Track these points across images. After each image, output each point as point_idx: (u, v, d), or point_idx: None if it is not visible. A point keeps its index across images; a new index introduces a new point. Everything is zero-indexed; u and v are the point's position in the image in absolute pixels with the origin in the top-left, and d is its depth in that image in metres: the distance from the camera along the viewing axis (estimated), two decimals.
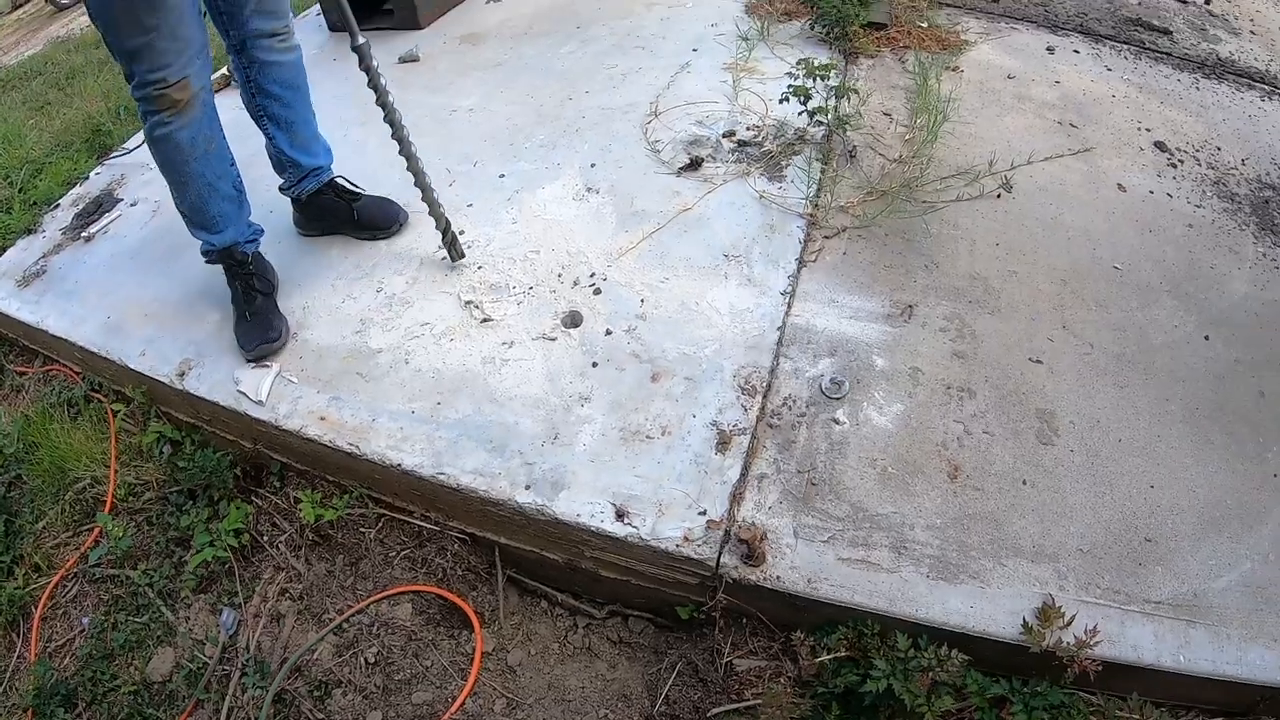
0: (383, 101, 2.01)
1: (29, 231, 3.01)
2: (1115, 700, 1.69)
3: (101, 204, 3.01)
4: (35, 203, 3.28)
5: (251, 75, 2.17)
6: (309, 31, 3.74)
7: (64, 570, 2.41)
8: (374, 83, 1.99)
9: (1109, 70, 2.96)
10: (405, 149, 2.08)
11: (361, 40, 1.92)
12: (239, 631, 2.13)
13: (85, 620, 2.30)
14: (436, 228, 2.21)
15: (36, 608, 2.37)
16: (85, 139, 3.68)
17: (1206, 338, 2.20)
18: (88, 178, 3.21)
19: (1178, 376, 2.11)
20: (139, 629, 2.25)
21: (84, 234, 2.87)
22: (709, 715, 1.81)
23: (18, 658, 2.37)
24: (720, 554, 1.73)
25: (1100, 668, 1.61)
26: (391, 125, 2.05)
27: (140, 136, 3.23)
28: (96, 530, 2.41)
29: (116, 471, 2.44)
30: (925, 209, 2.38)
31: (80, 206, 3.05)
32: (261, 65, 2.15)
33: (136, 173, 3.06)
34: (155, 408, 2.45)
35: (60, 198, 3.18)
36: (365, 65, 1.97)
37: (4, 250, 2.98)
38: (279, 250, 2.40)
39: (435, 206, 2.17)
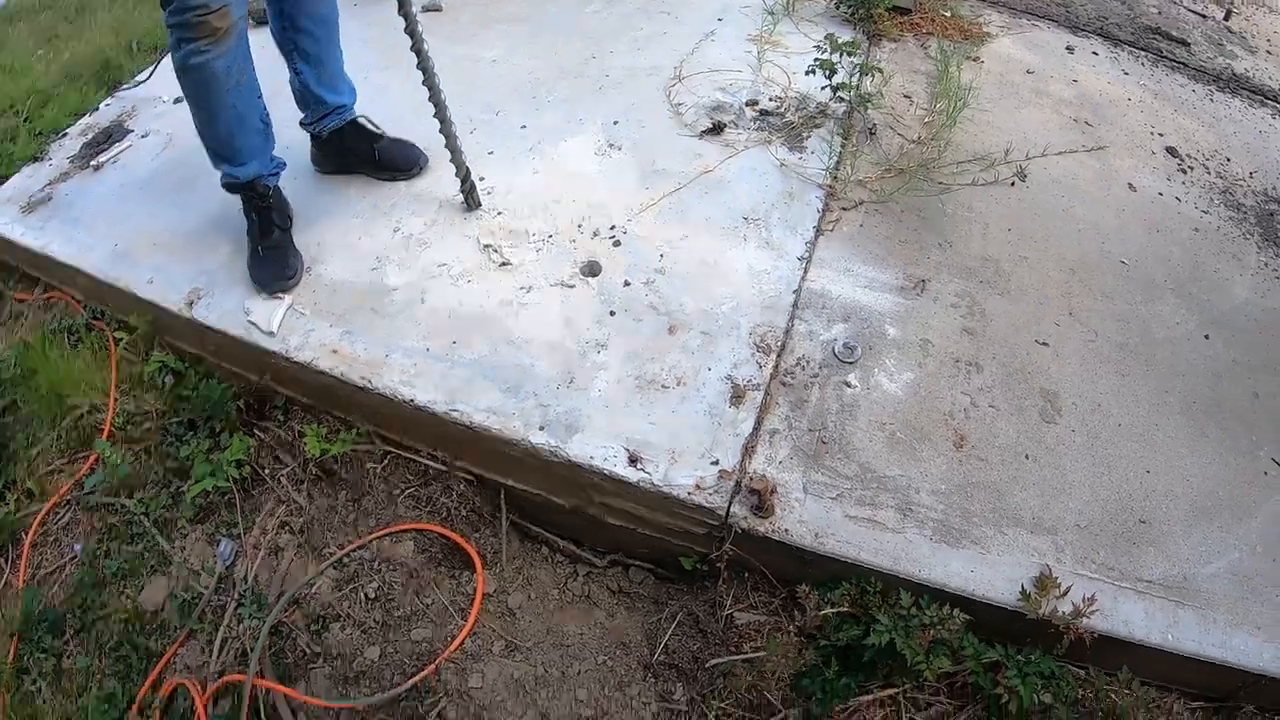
0: (417, 48, 2.00)
1: (35, 159, 2.95)
2: (1104, 675, 1.72)
3: (111, 134, 2.97)
4: (41, 132, 3.22)
5: (285, 8, 2.16)
6: None
7: (57, 497, 2.37)
8: (410, 28, 1.98)
9: (1126, 74, 3.01)
10: (435, 96, 2.08)
11: None
12: (236, 563, 2.11)
13: (77, 547, 2.28)
14: (456, 175, 2.21)
15: (27, 534, 2.34)
16: (94, 72, 3.62)
17: (1206, 337, 2.25)
18: (97, 109, 3.16)
19: (1177, 370, 2.15)
20: (132, 558, 2.23)
21: (92, 163, 2.83)
22: (708, 664, 1.83)
23: (4, 584, 2.34)
24: (730, 504, 1.75)
25: (1095, 637, 1.65)
26: (424, 72, 2.04)
27: (152, 69, 3.19)
28: (93, 458, 2.38)
29: (116, 400, 2.41)
30: (941, 190, 2.42)
31: (89, 136, 3.00)
32: None
33: (148, 106, 3.02)
34: (159, 338, 2.42)
35: (68, 128, 3.13)
36: (404, 11, 1.96)
37: (8, 178, 2.93)
38: (295, 186, 2.38)
39: (458, 154, 2.17)
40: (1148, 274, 2.37)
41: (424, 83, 2.07)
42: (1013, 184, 2.49)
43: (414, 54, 2.01)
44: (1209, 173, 2.73)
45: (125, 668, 2.09)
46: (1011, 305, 2.21)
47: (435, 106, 2.11)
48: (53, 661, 2.15)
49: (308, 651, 1.93)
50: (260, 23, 2.32)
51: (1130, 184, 2.62)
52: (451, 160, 2.19)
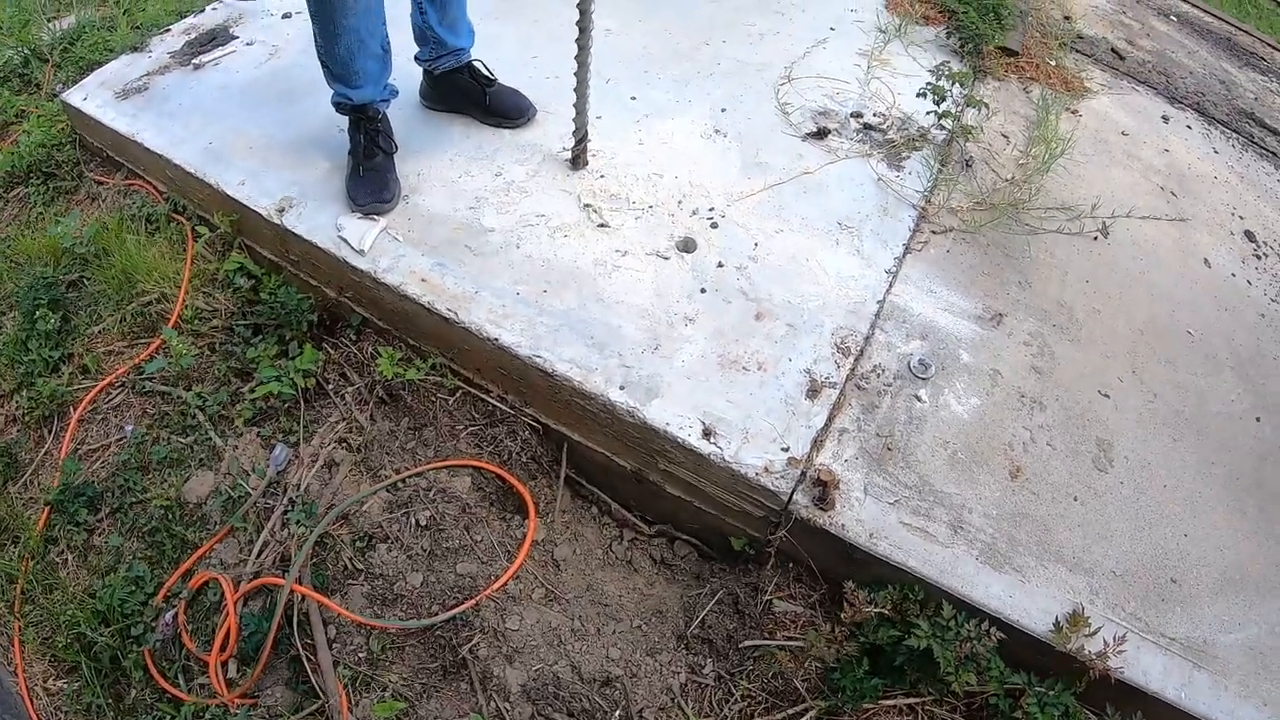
0: (583, 7, 2.02)
1: (135, 49, 2.97)
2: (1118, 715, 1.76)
3: (216, 37, 3.00)
4: (140, 26, 3.25)
5: None
6: None
7: (113, 377, 2.40)
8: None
9: (1215, 153, 3.05)
10: (583, 55, 2.10)
11: None
12: (288, 470, 2.14)
13: (129, 428, 2.30)
14: (575, 133, 2.25)
15: (76, 408, 2.36)
16: None
17: (1258, 419, 2.29)
18: (203, 10, 3.17)
19: (1226, 445, 2.19)
20: (181, 448, 2.26)
21: (194, 62, 2.86)
22: (741, 645, 1.86)
23: (45, 454, 2.36)
24: (794, 491, 1.79)
25: (1119, 677, 1.69)
26: (581, 31, 2.06)
27: None
28: (156, 344, 2.40)
29: (187, 294, 2.43)
30: (1028, 231, 2.45)
31: (192, 35, 3.02)
32: None
33: (257, 15, 3.04)
34: (240, 240, 2.46)
35: (170, 25, 3.14)
36: None
37: (103, 63, 2.94)
38: (401, 116, 2.41)
39: (583, 113, 2.21)
40: (1211, 349, 2.41)
41: (578, 42, 2.08)
42: (1095, 238, 2.53)
43: (578, 11, 2.02)
44: None
45: (158, 554, 2.12)
46: (1080, 353, 2.25)
47: (580, 66, 2.13)
48: (84, 536, 2.18)
49: (349, 567, 1.96)
50: None
51: (1206, 259, 2.66)
52: (575, 119, 2.23)
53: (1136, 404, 2.20)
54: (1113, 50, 3.33)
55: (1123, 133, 2.95)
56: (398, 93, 2.30)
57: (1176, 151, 2.97)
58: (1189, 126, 3.11)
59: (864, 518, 1.79)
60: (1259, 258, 2.76)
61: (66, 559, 2.19)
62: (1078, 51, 3.21)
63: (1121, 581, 1.86)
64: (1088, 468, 2.03)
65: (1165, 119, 3.09)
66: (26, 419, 2.39)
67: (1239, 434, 2.23)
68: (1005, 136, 2.72)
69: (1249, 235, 2.81)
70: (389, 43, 2.20)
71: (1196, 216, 2.78)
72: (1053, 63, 3.00)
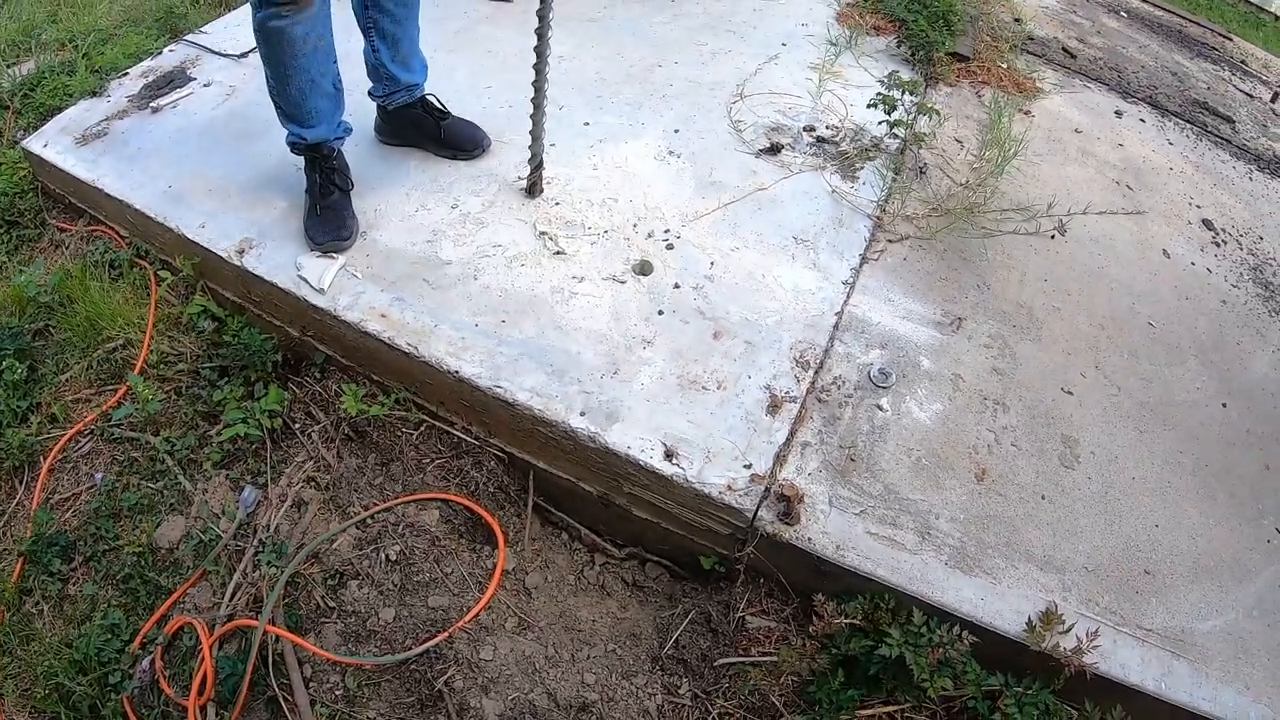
0: (541, 32, 2.02)
1: (93, 94, 2.97)
2: (1098, 711, 1.77)
3: (173, 79, 3.00)
4: (100, 69, 3.25)
5: None
6: None
7: (81, 425, 2.39)
8: (542, 12, 2.00)
9: (1170, 144, 3.09)
10: (540, 80, 2.12)
11: None
12: (258, 511, 2.14)
13: (98, 476, 2.29)
14: (530, 161, 2.27)
15: (46, 458, 2.35)
16: (157, 18, 3.66)
17: (1224, 405, 2.31)
18: (160, 53, 3.18)
19: (1193, 434, 2.21)
20: (151, 494, 2.25)
21: (151, 105, 2.86)
22: (716, 663, 1.86)
23: (17, 504, 2.35)
24: (759, 507, 1.80)
25: (1093, 675, 1.70)
26: (538, 56, 2.08)
27: (220, 23, 3.23)
28: (122, 390, 2.40)
29: (152, 338, 2.43)
30: (984, 234, 2.48)
31: (150, 79, 3.03)
32: None
33: (213, 57, 3.05)
34: (203, 282, 2.45)
35: (128, 68, 3.15)
36: (542, 10, 1.99)
37: (63, 109, 2.95)
38: (357, 152, 2.42)
39: (539, 141, 2.23)
40: (1174, 338, 2.43)
41: (535, 65, 2.10)
42: (1053, 236, 2.56)
43: (536, 36, 2.03)
44: (1241, 249, 2.80)
45: (132, 600, 2.11)
46: (1041, 352, 2.26)
47: (536, 91, 2.14)
48: (58, 586, 2.17)
49: (321, 606, 1.95)
50: None
51: (1165, 250, 2.69)
52: (530, 147, 2.25)
53: (1100, 399, 2.21)
54: (1064, 49, 3.37)
55: (1076, 130, 2.99)
56: (351, 130, 2.32)
57: (1131, 145, 3.01)
58: (1143, 120, 3.15)
59: (830, 530, 1.80)
60: (1218, 245, 2.79)
61: (42, 609, 2.17)
62: (1029, 53, 3.26)
63: (1094, 576, 1.87)
64: (1054, 466, 2.05)
65: (1119, 114, 3.14)
66: None
67: (1206, 421, 2.25)
68: (959, 141, 2.75)
69: (1207, 223, 2.84)
70: (341, 81, 2.22)
71: (1153, 208, 2.82)
72: (1004, 65, 3.04)
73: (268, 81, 2.12)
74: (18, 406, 2.42)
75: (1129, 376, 2.29)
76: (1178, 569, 1.93)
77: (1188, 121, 3.17)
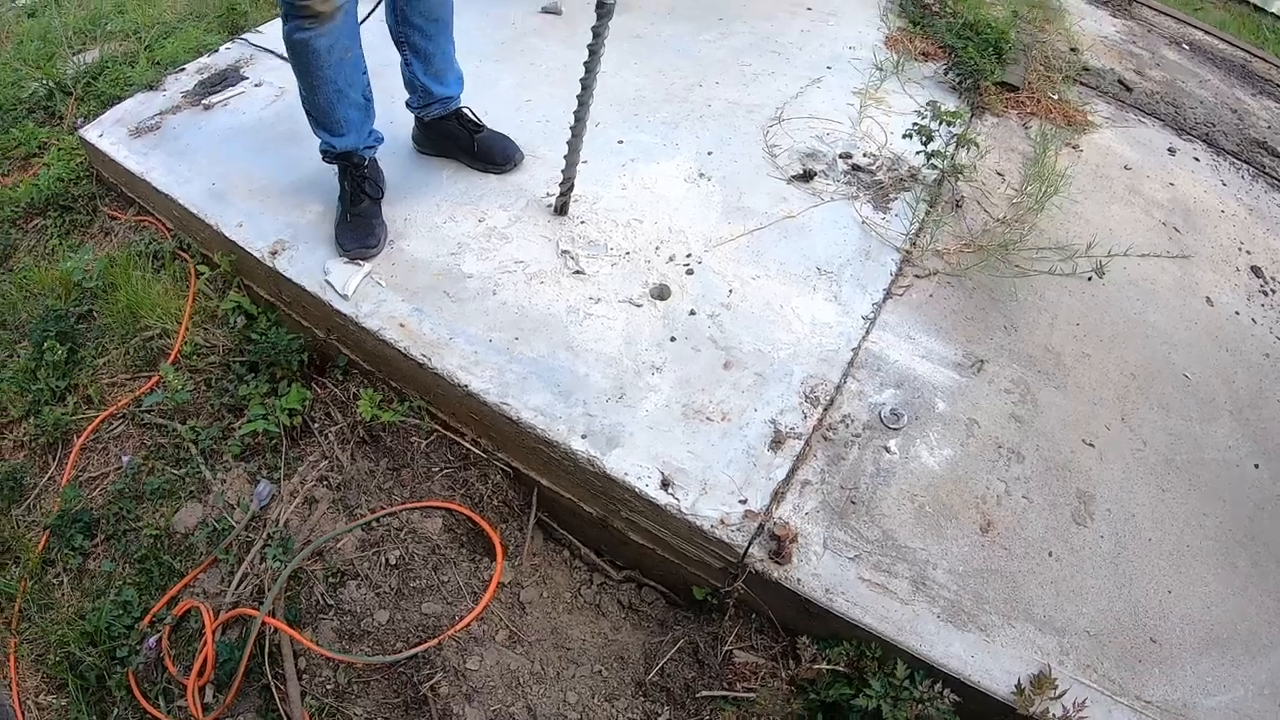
0: (590, 65, 2.02)
1: (150, 88, 3.08)
2: None
3: (226, 77, 3.10)
4: (160, 63, 3.37)
5: (398, 4, 2.23)
6: None
7: (114, 408, 2.50)
8: (598, 26, 1.96)
9: (1224, 185, 2.97)
10: (582, 110, 2.12)
11: None
12: (271, 505, 2.21)
13: (126, 459, 2.39)
14: (562, 183, 2.29)
15: (79, 437, 2.46)
16: (219, 14, 3.77)
17: (1256, 466, 2.22)
18: (217, 50, 3.29)
19: (1220, 495, 2.13)
20: (174, 480, 2.34)
21: (204, 101, 2.96)
22: (699, 694, 1.87)
23: (49, 479, 2.46)
24: (750, 544, 1.79)
25: None
26: (587, 70, 2.06)
27: (275, 24, 3.31)
28: (155, 378, 2.50)
29: (187, 329, 2.52)
30: (1016, 273, 2.42)
31: (205, 75, 3.13)
32: None
33: (266, 57, 3.15)
34: (238, 279, 2.54)
35: (186, 63, 3.26)
36: (598, 26, 1.95)
37: (122, 99, 3.06)
38: (392, 160, 2.48)
39: (573, 168, 2.24)
40: (1209, 392, 2.34)
41: (582, 79, 2.08)
42: (1090, 279, 2.48)
43: (589, 50, 2.01)
44: None
45: (146, 580, 2.21)
46: (1065, 400, 2.20)
47: (580, 106, 2.13)
48: (78, 560, 2.27)
49: (321, 602, 2.01)
50: None
51: (1208, 297, 2.59)
52: (564, 170, 2.26)
53: (1123, 453, 2.14)
54: (1120, 82, 3.26)
55: (1125, 167, 2.89)
56: (383, 139, 2.36)
57: (1182, 185, 2.90)
58: (1196, 158, 3.03)
59: (821, 572, 1.79)
60: (1265, 294, 2.68)
61: (62, 581, 2.28)
62: (1083, 84, 3.15)
63: (1095, 641, 1.81)
64: (1065, 521, 1.99)
65: (1171, 151, 3.02)
66: (33, 445, 2.50)
67: (1235, 482, 2.16)
68: (1000, 174, 2.69)
69: (1256, 271, 2.73)
70: (370, 92, 2.26)
71: (1200, 252, 2.71)
72: (1055, 97, 2.95)
73: (299, 89, 2.18)
74: (56, 386, 2.54)
75: (1156, 431, 2.21)
76: (1187, 639, 1.86)
77: (1245, 162, 3.04)
